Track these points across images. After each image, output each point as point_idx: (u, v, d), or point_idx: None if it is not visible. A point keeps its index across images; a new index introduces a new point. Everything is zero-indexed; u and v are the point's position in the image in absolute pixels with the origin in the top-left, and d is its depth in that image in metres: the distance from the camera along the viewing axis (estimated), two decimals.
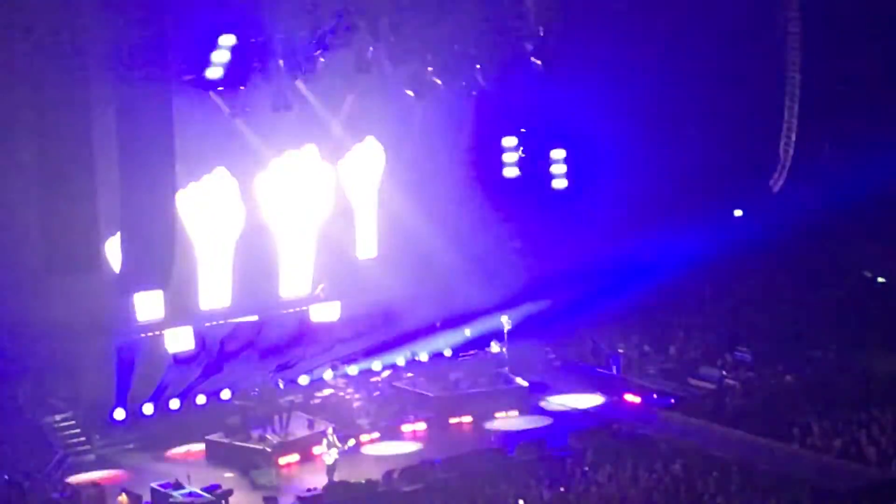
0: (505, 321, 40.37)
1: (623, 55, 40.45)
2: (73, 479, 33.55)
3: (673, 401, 38.46)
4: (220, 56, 34.34)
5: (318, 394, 38.69)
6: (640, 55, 40.51)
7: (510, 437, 36.33)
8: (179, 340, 37.36)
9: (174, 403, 37.07)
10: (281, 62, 35.52)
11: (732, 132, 40.89)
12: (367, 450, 35.83)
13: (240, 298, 38.17)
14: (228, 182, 37.29)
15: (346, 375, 39.69)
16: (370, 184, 40.65)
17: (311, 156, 39.01)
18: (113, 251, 33.77)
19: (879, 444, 32.43)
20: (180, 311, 36.96)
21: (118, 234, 32.91)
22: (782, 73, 37.91)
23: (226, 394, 37.62)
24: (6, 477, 31.96)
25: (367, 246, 40.88)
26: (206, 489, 31.84)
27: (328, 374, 39.40)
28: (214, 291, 37.78)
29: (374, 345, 40.66)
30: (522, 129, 42.06)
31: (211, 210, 37.16)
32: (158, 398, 36.82)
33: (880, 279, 42.42)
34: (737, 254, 42.31)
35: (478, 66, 40.16)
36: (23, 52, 30.53)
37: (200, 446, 35.78)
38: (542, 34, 39.15)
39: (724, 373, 39.28)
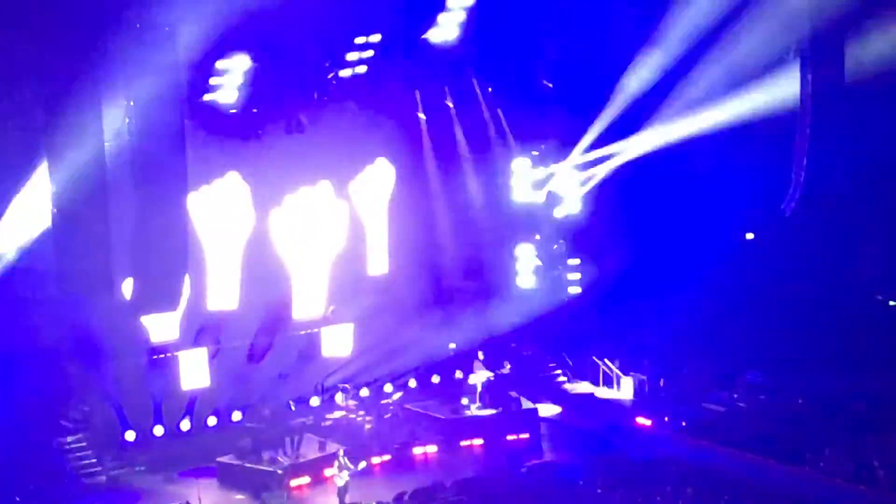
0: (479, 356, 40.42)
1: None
2: None
3: (684, 424, 38.41)
4: (234, 79, 34.53)
5: (330, 416, 38.68)
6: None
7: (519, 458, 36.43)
8: (194, 373, 37.38)
9: (185, 425, 37.10)
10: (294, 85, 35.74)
11: (744, 155, 40.85)
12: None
13: (248, 313, 38.28)
14: (241, 188, 37.46)
15: (357, 397, 39.68)
16: (381, 203, 40.70)
17: (325, 192, 39.07)
18: (125, 273, 33.86)
19: (891, 468, 32.36)
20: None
21: (130, 256, 33.00)
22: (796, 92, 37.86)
23: (237, 415, 37.66)
24: (18, 499, 31.99)
25: (378, 263, 40.95)
26: None
27: (339, 397, 39.42)
28: (223, 298, 37.91)
29: (385, 367, 40.74)
30: (535, 152, 42.23)
31: (222, 215, 37.39)
32: (169, 420, 36.83)
33: (892, 302, 42.33)
34: (748, 277, 42.32)
35: (489, 90, 40.43)
36: (35, 78, 30.73)
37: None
38: (551, 55, 39.31)
39: (735, 396, 39.22)
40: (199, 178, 35.34)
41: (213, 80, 34.54)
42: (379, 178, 40.47)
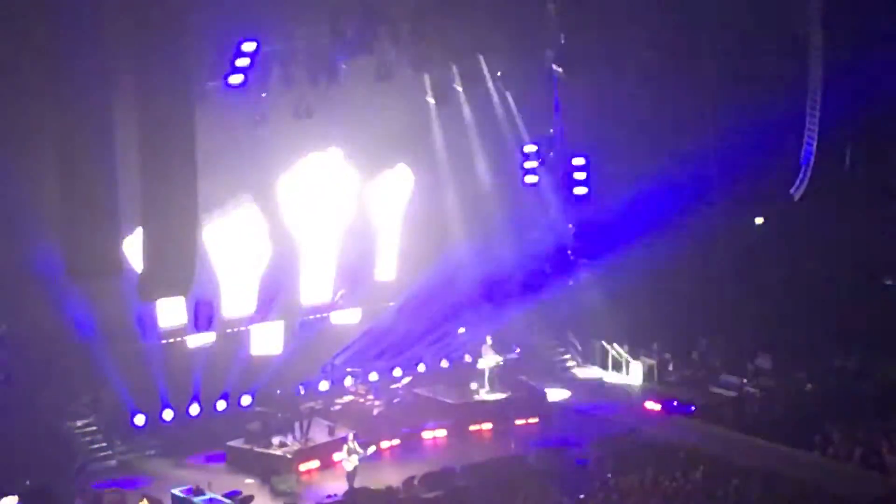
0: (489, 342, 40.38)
1: (643, 61, 40.45)
2: None
3: (693, 408, 38.42)
4: (241, 62, 34.44)
5: (339, 400, 38.70)
6: (660, 61, 40.49)
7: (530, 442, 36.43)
8: (204, 358, 37.43)
9: (194, 409, 37.16)
10: (302, 69, 35.64)
11: (753, 139, 40.77)
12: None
13: (262, 305, 38.26)
14: (250, 209, 37.41)
15: (366, 382, 39.69)
16: (396, 208, 40.63)
17: (336, 159, 38.99)
18: (135, 256, 33.84)
19: None
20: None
21: (140, 238, 32.97)
22: (804, 78, 37.78)
23: (246, 400, 37.69)
24: (28, 483, 32.06)
25: (386, 269, 40.88)
26: (226, 495, 31.91)
27: (348, 381, 39.43)
28: (237, 300, 37.90)
29: (394, 351, 40.77)
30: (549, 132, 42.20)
31: (234, 237, 37.38)
32: (178, 404, 36.87)
33: None
34: (758, 262, 42.27)
35: (499, 74, 40.34)
36: (43, 57, 30.62)
37: None
38: (563, 41, 39.21)
39: (744, 381, 39.21)
40: (208, 161, 35.23)
41: (221, 64, 34.42)
42: (397, 182, 40.38)
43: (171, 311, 36.43)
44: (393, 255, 40.99)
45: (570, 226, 43.02)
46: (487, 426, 38.31)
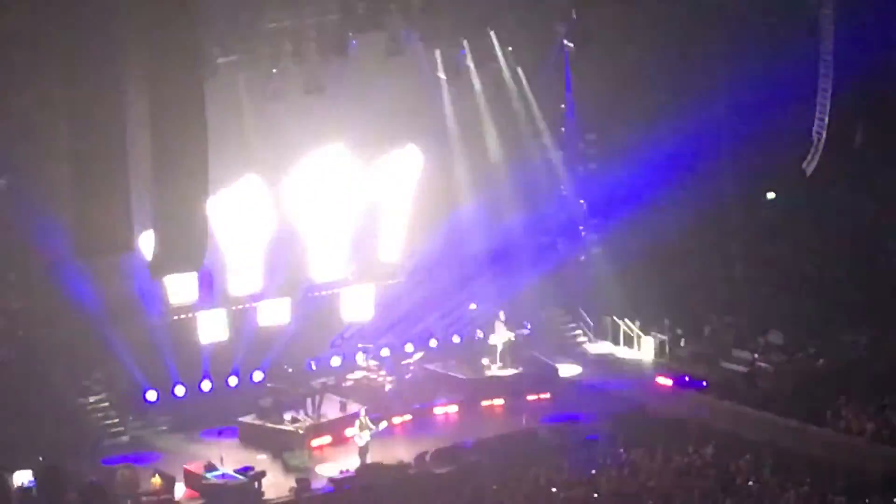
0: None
1: (654, 34, 40.38)
2: None
3: (705, 384, 38.40)
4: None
5: (350, 376, 38.70)
6: (671, 34, 40.43)
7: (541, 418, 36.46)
8: (212, 328, 37.43)
9: (206, 385, 37.22)
10: (313, 45, 35.58)
11: (765, 114, 40.68)
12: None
13: (270, 282, 38.24)
14: (258, 187, 37.32)
15: (377, 357, 39.70)
16: (404, 189, 40.48)
17: (341, 153, 38.85)
18: (146, 234, 33.88)
19: None
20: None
21: (151, 216, 33.00)
22: (815, 51, 37.67)
23: (258, 376, 37.73)
24: (41, 459, 32.17)
25: (391, 250, 40.79)
26: (238, 471, 32.04)
27: (360, 357, 39.44)
28: (244, 277, 37.90)
29: (405, 327, 40.80)
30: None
31: (242, 216, 37.27)
32: (190, 380, 36.95)
33: None
34: (769, 237, 42.21)
35: (510, 49, 40.26)
36: (54, 34, 30.62)
37: None
38: (574, 16, 39.12)
39: (756, 356, 39.20)
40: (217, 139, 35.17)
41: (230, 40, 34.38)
42: (406, 162, 40.22)
43: (180, 288, 36.42)
44: (402, 232, 40.80)
45: (582, 202, 43.00)
46: (499, 402, 38.29)
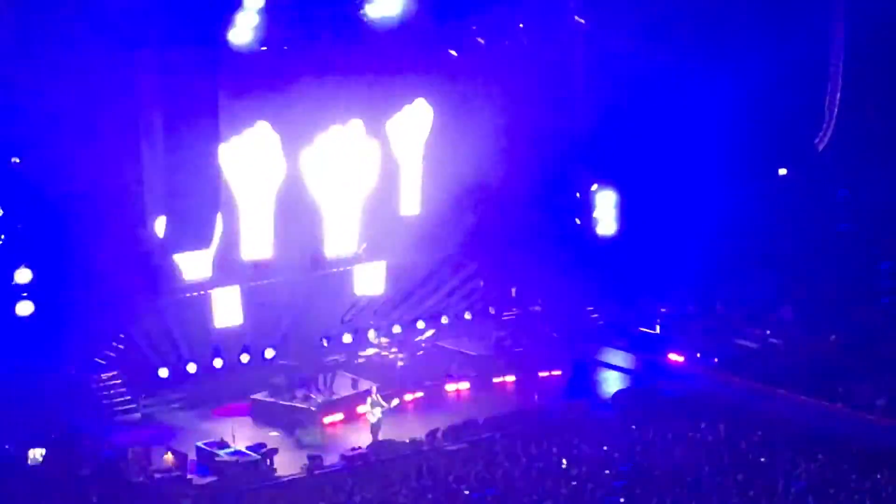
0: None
1: (666, 10, 40.30)
2: None
3: (717, 360, 38.40)
4: (253, 19, 34.24)
5: (362, 353, 38.76)
6: (683, 10, 40.36)
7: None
8: (227, 311, 37.46)
9: (218, 362, 37.26)
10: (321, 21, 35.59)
11: (777, 90, 40.62)
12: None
13: (283, 256, 38.20)
14: (270, 137, 37.23)
15: (390, 335, 39.72)
16: (417, 142, 40.35)
17: (357, 131, 38.79)
18: (158, 212, 33.94)
19: None
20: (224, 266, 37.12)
21: (163, 194, 33.06)
22: (828, 28, 37.69)
23: (270, 353, 37.74)
24: (54, 436, 32.26)
25: (411, 203, 40.65)
26: (251, 448, 32.12)
27: (372, 334, 39.45)
28: (257, 247, 37.86)
29: (418, 304, 40.81)
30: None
31: (253, 165, 37.16)
32: (203, 357, 37.00)
33: None
34: (781, 213, 42.14)
35: (521, 25, 40.16)
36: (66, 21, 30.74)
37: None
38: None
39: (767, 332, 39.18)
40: (229, 118, 35.17)
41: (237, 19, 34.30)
42: (416, 117, 40.04)
43: (194, 265, 36.43)
44: (416, 189, 40.55)
45: (595, 186, 42.84)
46: (511, 378, 38.35)
